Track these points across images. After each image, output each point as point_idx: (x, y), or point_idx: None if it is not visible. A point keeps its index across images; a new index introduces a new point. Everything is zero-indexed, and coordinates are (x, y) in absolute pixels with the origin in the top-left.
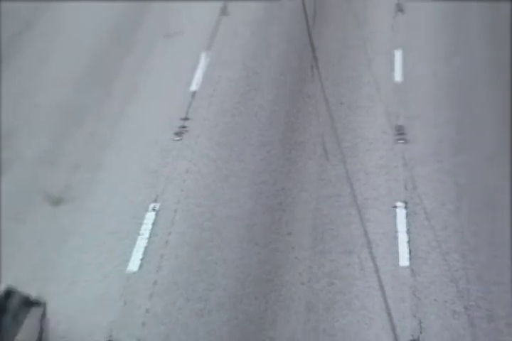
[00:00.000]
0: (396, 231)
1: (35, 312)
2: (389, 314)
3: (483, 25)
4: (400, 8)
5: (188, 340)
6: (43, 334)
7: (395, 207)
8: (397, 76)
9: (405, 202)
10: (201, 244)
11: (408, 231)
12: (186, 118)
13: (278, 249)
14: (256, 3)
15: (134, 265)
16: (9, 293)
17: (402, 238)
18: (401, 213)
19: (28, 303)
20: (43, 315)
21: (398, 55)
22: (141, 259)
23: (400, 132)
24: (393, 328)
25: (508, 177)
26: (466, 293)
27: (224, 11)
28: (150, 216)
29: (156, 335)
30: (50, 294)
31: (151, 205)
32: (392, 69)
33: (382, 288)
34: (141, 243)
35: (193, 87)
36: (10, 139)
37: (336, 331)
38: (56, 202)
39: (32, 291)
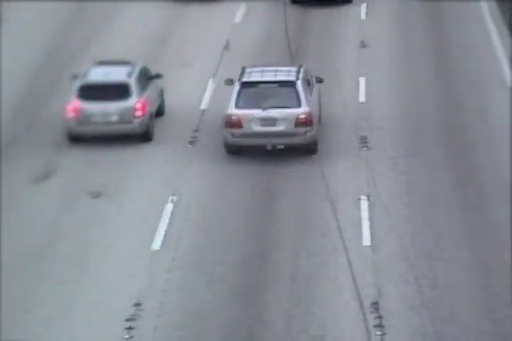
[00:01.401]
0: (360, 219)
1: None
2: (355, 283)
3: (429, 58)
4: (363, 45)
5: (198, 304)
6: None
7: (360, 199)
8: (361, 97)
9: (368, 196)
10: (209, 229)
11: (370, 218)
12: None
13: (269, 231)
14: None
15: (156, 245)
16: None
17: (365, 224)
18: (364, 204)
19: None
20: None
21: (362, 81)
22: (162, 240)
23: (363, 141)
24: (358, 294)
25: (447, 177)
26: (416, 267)
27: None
28: (169, 206)
29: (174, 300)
30: (90, 264)
31: (170, 198)
32: (357, 92)
33: (349, 263)
34: (162, 228)
35: (202, 106)
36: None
37: (314, 296)
38: (96, 195)
39: None
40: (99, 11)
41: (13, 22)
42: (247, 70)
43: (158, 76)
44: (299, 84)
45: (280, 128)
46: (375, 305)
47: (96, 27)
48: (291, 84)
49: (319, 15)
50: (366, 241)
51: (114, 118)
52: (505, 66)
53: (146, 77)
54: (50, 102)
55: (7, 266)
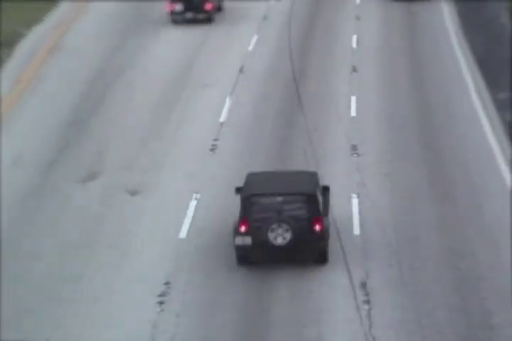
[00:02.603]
0: (352, 213)
1: None
2: (347, 265)
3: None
4: (354, 69)
5: (218, 281)
6: None
7: (351, 197)
8: (353, 112)
9: (358, 194)
10: (225, 221)
11: (359, 213)
12: (216, 139)
13: None
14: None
15: (183, 234)
16: None
17: (356, 217)
18: (355, 201)
19: None
20: None
21: (353, 99)
22: (187, 230)
23: (354, 148)
24: (349, 275)
25: (423, 177)
26: (397, 252)
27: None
28: (193, 203)
29: (197, 279)
30: (128, 250)
31: (194, 195)
32: (349, 108)
33: (342, 248)
34: (187, 220)
35: (221, 119)
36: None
37: (313, 276)
38: (133, 193)
39: None
40: (136, 41)
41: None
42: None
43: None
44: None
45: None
46: (363, 284)
47: (133, 55)
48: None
49: (318, 42)
50: (356, 230)
51: None
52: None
53: None
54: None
55: (59, 252)
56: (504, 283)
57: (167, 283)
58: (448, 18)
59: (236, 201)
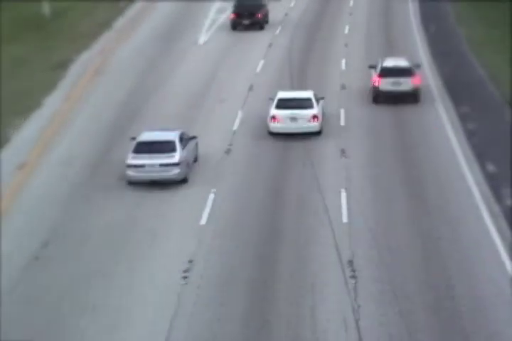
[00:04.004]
0: (340, 204)
1: None
2: (336, 247)
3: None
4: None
5: (230, 261)
6: None
7: (340, 191)
8: (342, 121)
9: (346, 189)
10: (239, 210)
11: (347, 204)
12: (230, 144)
13: (279, 212)
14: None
15: (203, 221)
16: None
17: (344, 207)
18: (343, 195)
19: None
20: None
21: (342, 111)
22: (207, 218)
23: (343, 152)
24: (339, 254)
25: (398, 175)
26: (377, 236)
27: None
28: (211, 196)
29: (215, 258)
30: (159, 232)
31: (212, 190)
32: (338, 118)
33: (333, 233)
34: (207, 210)
35: (234, 128)
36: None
37: (309, 255)
38: (163, 188)
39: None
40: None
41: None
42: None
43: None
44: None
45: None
46: (350, 262)
47: (163, 75)
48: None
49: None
50: (344, 219)
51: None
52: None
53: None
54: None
55: (103, 232)
56: (465, 261)
57: (190, 261)
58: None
59: (247, 194)
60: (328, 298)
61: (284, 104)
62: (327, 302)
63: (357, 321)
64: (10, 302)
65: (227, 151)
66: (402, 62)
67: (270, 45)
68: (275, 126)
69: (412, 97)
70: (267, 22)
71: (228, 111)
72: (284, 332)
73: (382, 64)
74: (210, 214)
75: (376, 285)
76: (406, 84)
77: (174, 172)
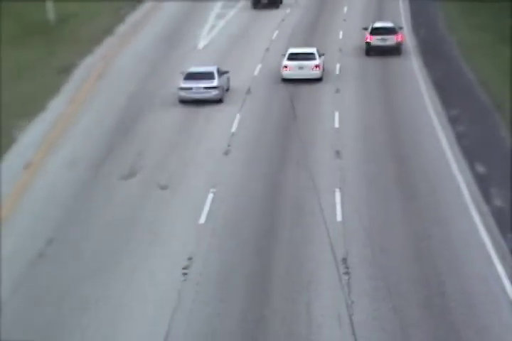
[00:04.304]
0: (335, 203)
1: None
2: (331, 245)
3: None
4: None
5: (230, 258)
6: None
7: (334, 191)
8: (336, 123)
9: (340, 188)
10: (237, 209)
11: (341, 203)
12: (229, 145)
13: (275, 211)
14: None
15: (202, 220)
16: None
17: (338, 206)
18: (337, 194)
19: None
20: None
21: (337, 114)
22: (206, 217)
23: (337, 153)
24: (333, 252)
25: (391, 176)
26: (370, 235)
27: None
28: (210, 195)
29: (213, 255)
30: (159, 231)
31: (211, 190)
32: (333, 119)
33: (327, 231)
34: (206, 209)
35: (233, 130)
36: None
37: (305, 253)
38: (163, 188)
39: None
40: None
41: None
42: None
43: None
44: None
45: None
46: (344, 260)
47: (164, 79)
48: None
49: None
50: (339, 217)
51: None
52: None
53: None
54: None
55: (105, 232)
56: (455, 260)
57: (190, 258)
58: None
59: (244, 193)
60: (322, 294)
61: (293, 56)
62: (322, 299)
63: (351, 316)
64: (15, 297)
65: (226, 152)
66: (388, 24)
67: (267, 49)
68: (287, 74)
69: (395, 50)
70: (281, 2)
71: (227, 115)
72: (280, 327)
73: (372, 26)
74: (208, 214)
75: (369, 282)
76: (391, 40)
77: (214, 94)
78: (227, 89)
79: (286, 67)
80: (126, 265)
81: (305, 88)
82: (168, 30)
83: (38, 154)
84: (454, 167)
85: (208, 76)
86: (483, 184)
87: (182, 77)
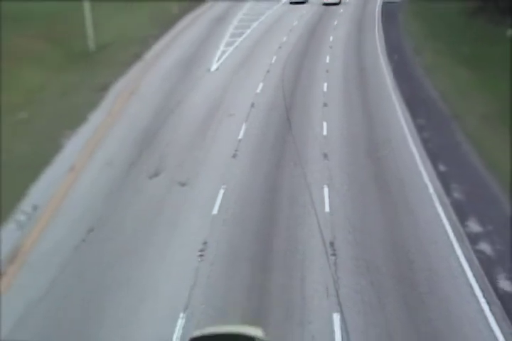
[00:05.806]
0: (324, 197)
1: None
2: (321, 231)
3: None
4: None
5: (238, 243)
6: None
7: (323, 187)
8: (324, 131)
9: (328, 185)
10: (245, 202)
11: (329, 197)
12: (236, 150)
13: (273, 203)
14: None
15: (215, 211)
16: None
17: (326, 200)
18: (326, 190)
19: None
20: None
21: (325, 124)
22: (218, 208)
23: (325, 155)
24: (322, 238)
25: (373, 173)
26: (354, 223)
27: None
28: (222, 191)
29: (225, 240)
30: (178, 221)
31: (222, 186)
32: (321, 128)
33: (318, 220)
34: (218, 202)
35: (239, 137)
36: (162, 160)
37: (298, 237)
38: (183, 184)
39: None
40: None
41: None
42: None
43: None
44: None
45: None
46: (332, 243)
47: (183, 95)
48: None
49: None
50: (327, 209)
51: None
52: None
53: None
54: None
55: (134, 221)
56: (422, 241)
57: (205, 243)
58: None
59: (250, 188)
60: (314, 272)
61: None
62: (313, 275)
63: (337, 290)
64: (64, 274)
65: (234, 156)
66: None
67: (268, 71)
68: None
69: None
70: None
71: (234, 123)
72: (279, 297)
73: None
74: (220, 205)
75: (352, 262)
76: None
77: None
78: None
79: None
80: (152, 249)
81: (299, 103)
82: (186, 55)
83: (81, 158)
84: (421, 166)
85: None
86: (444, 180)
87: None
